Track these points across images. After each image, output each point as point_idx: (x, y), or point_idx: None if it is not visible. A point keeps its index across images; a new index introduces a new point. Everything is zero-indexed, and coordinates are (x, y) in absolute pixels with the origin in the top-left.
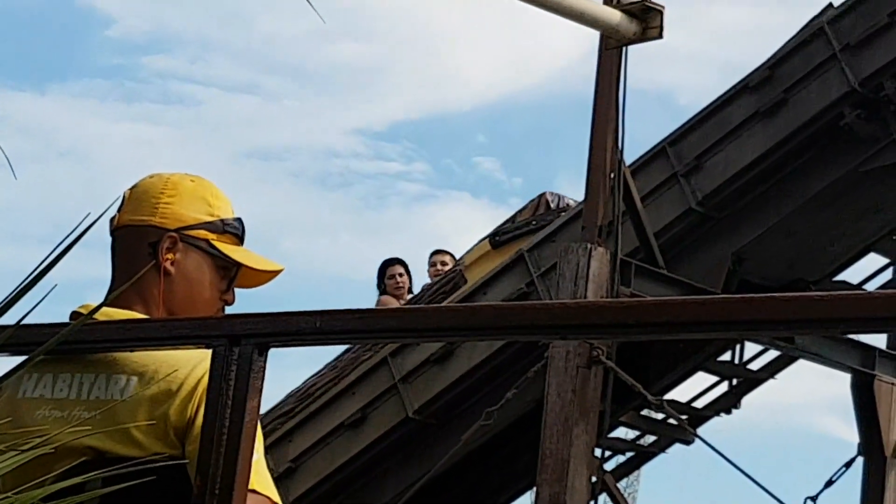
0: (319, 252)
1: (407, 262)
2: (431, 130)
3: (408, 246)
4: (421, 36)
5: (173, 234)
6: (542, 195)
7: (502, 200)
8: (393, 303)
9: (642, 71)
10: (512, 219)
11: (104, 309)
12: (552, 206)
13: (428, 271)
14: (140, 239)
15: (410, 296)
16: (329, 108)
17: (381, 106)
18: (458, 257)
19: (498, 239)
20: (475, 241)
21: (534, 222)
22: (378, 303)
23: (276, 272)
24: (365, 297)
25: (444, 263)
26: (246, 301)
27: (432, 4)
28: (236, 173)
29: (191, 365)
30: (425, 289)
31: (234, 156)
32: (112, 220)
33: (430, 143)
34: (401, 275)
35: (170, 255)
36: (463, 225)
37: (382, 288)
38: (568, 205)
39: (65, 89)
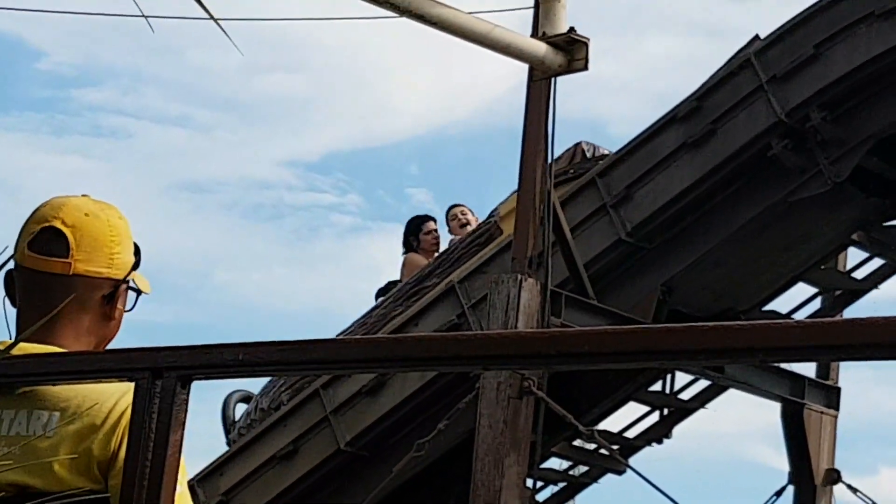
0: (252, 284)
1: (342, 296)
2: (364, 162)
3: (342, 278)
4: (353, 68)
5: (124, 283)
6: (578, 144)
7: None
8: (421, 261)
9: (573, 101)
10: (573, 155)
11: (22, 345)
12: (587, 154)
13: (449, 226)
14: (94, 290)
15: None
16: (261, 139)
17: (314, 137)
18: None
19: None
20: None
21: (571, 171)
22: (405, 261)
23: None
24: (298, 327)
25: (464, 213)
26: (180, 333)
27: (364, 37)
28: (168, 205)
29: (114, 398)
30: (455, 244)
31: (166, 188)
32: (18, 249)
33: (363, 175)
34: (436, 230)
35: (120, 306)
36: (396, 256)
37: (413, 245)
38: (603, 154)
39: None
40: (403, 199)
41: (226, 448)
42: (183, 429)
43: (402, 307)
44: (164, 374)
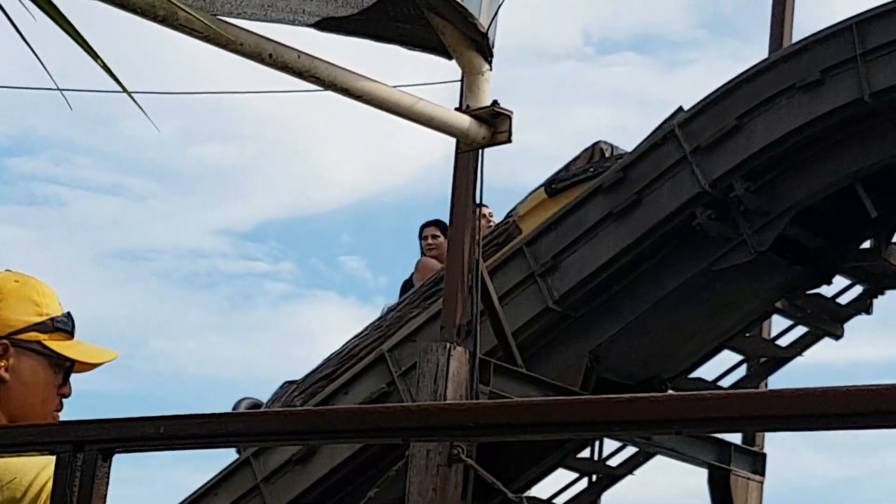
0: (187, 352)
1: (277, 363)
2: (297, 230)
3: (275, 345)
4: (286, 138)
5: (4, 340)
6: (597, 143)
7: (368, 299)
8: (433, 264)
9: (505, 170)
10: (566, 167)
11: None
12: (606, 154)
13: (421, 247)
14: None
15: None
16: (195, 208)
17: (248, 206)
18: (328, 354)
19: (554, 187)
20: (350, 335)
21: (591, 169)
22: (417, 266)
23: (111, 360)
24: (233, 394)
25: (434, 237)
26: (110, 402)
27: (298, 107)
28: (102, 274)
29: (34, 472)
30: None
31: (100, 256)
32: None
33: (297, 243)
34: (434, 236)
35: (3, 363)
36: (330, 324)
37: (422, 250)
38: (621, 154)
39: None
40: (336, 267)
41: None
42: (104, 501)
43: (417, 309)
44: (86, 448)
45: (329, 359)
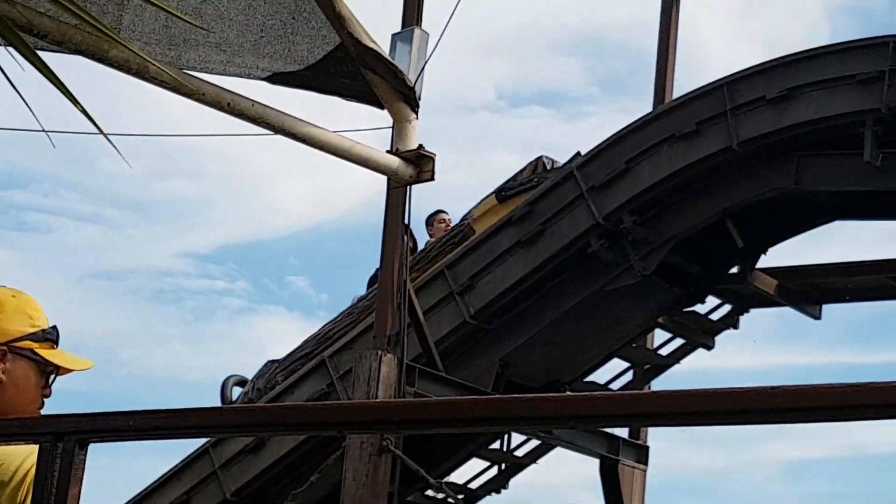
0: (155, 359)
1: (233, 367)
2: (252, 254)
3: (233, 352)
4: (242, 174)
5: (3, 347)
6: (540, 158)
7: (312, 313)
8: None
9: (430, 204)
10: (514, 177)
11: None
12: (548, 167)
13: (431, 229)
14: None
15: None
16: (163, 234)
17: (208, 232)
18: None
19: (504, 194)
20: (315, 328)
21: (534, 179)
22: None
23: (88, 367)
24: (196, 395)
25: (441, 221)
26: (88, 400)
27: (252, 148)
28: (82, 292)
29: (20, 458)
30: (431, 244)
31: (81, 277)
32: None
33: (251, 265)
34: (442, 221)
35: (1, 366)
36: (279, 334)
37: (429, 234)
38: (560, 167)
39: None
40: (284, 286)
41: None
42: (80, 485)
43: (355, 318)
44: (65, 438)
45: (308, 340)
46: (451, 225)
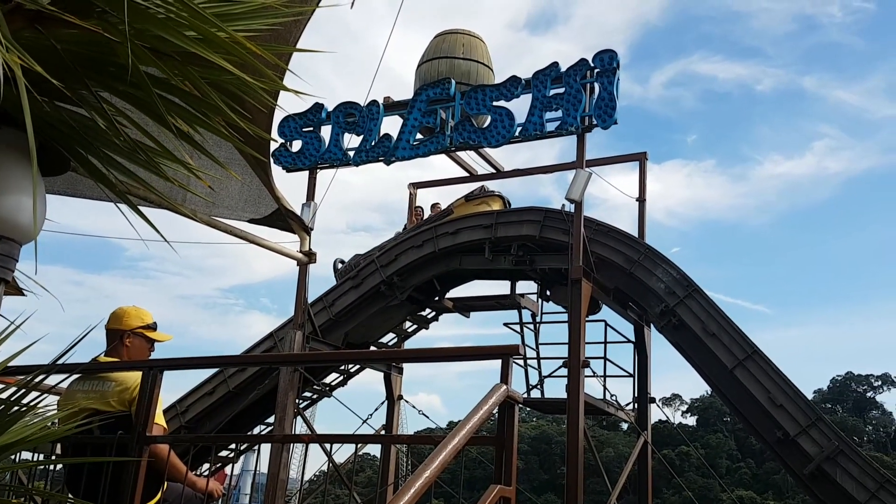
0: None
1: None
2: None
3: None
4: (237, 252)
5: (129, 332)
6: (483, 185)
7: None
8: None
9: (318, 270)
10: (480, 188)
11: (102, 357)
12: (486, 189)
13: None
14: (117, 334)
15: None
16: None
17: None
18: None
19: (468, 196)
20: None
21: (483, 188)
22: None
23: (170, 338)
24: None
25: (434, 206)
26: (168, 348)
27: (245, 248)
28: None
29: (133, 378)
30: (432, 216)
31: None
32: (105, 327)
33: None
34: (434, 205)
35: (128, 341)
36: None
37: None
38: (491, 192)
39: None
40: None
41: None
42: (159, 389)
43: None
44: (153, 369)
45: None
46: (440, 208)
